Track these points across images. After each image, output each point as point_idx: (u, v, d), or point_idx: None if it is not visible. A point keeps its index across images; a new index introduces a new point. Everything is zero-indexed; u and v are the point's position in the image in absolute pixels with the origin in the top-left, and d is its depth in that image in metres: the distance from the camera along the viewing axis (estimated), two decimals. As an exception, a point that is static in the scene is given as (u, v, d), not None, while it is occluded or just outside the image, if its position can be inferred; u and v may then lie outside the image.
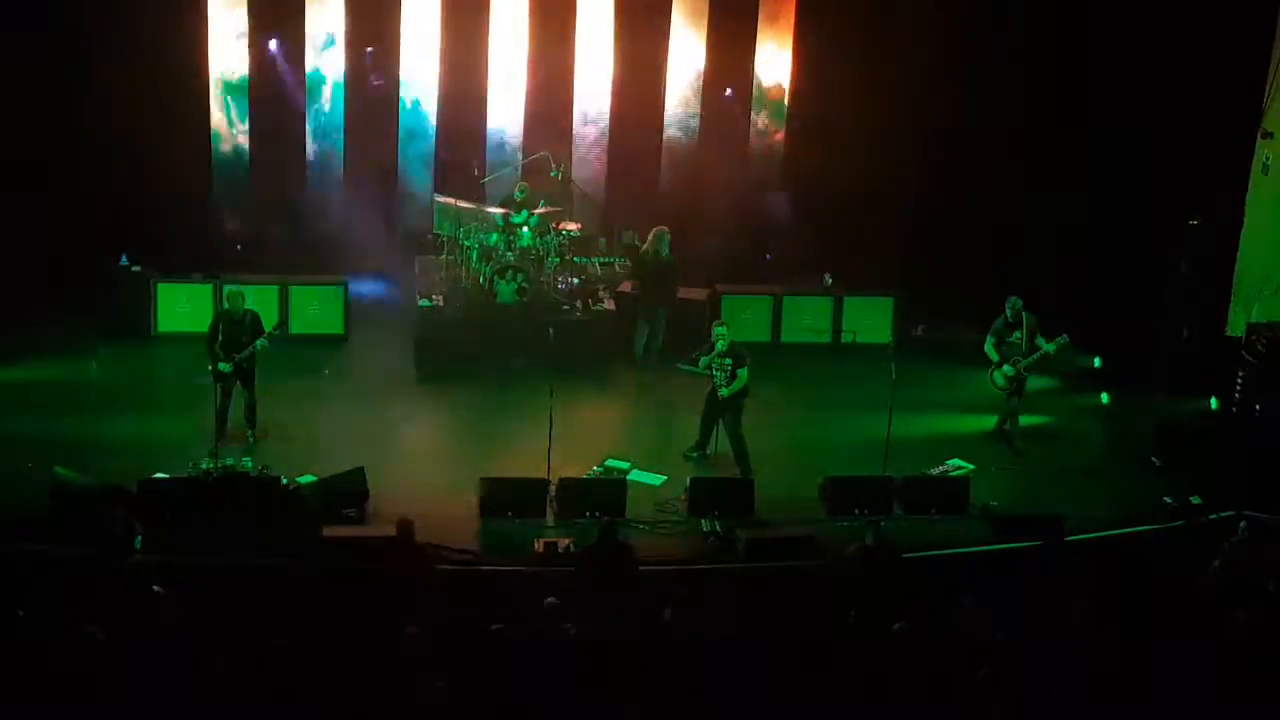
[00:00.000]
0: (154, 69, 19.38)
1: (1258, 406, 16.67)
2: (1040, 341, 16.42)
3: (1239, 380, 17.09)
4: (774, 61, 21.26)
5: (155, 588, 11.80)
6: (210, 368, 15.53)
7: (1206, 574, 13.25)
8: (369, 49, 20.52)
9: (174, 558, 13.18)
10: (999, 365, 16.58)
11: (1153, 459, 16.41)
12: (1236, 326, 18.43)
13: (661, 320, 18.45)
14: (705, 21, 20.95)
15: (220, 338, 15.53)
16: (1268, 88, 18.41)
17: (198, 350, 15.96)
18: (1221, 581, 13.16)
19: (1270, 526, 14.02)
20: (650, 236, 18.52)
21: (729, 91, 21.15)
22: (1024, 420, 17.22)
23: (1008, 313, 16.55)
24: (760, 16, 21.05)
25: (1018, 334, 16.49)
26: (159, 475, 14.65)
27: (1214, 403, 17.53)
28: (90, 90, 19.09)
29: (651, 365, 18.27)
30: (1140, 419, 17.33)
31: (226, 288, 17.34)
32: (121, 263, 18.76)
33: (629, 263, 19.57)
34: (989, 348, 16.65)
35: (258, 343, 15.56)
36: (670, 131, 21.33)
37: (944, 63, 19.92)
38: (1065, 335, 16.37)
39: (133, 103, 19.13)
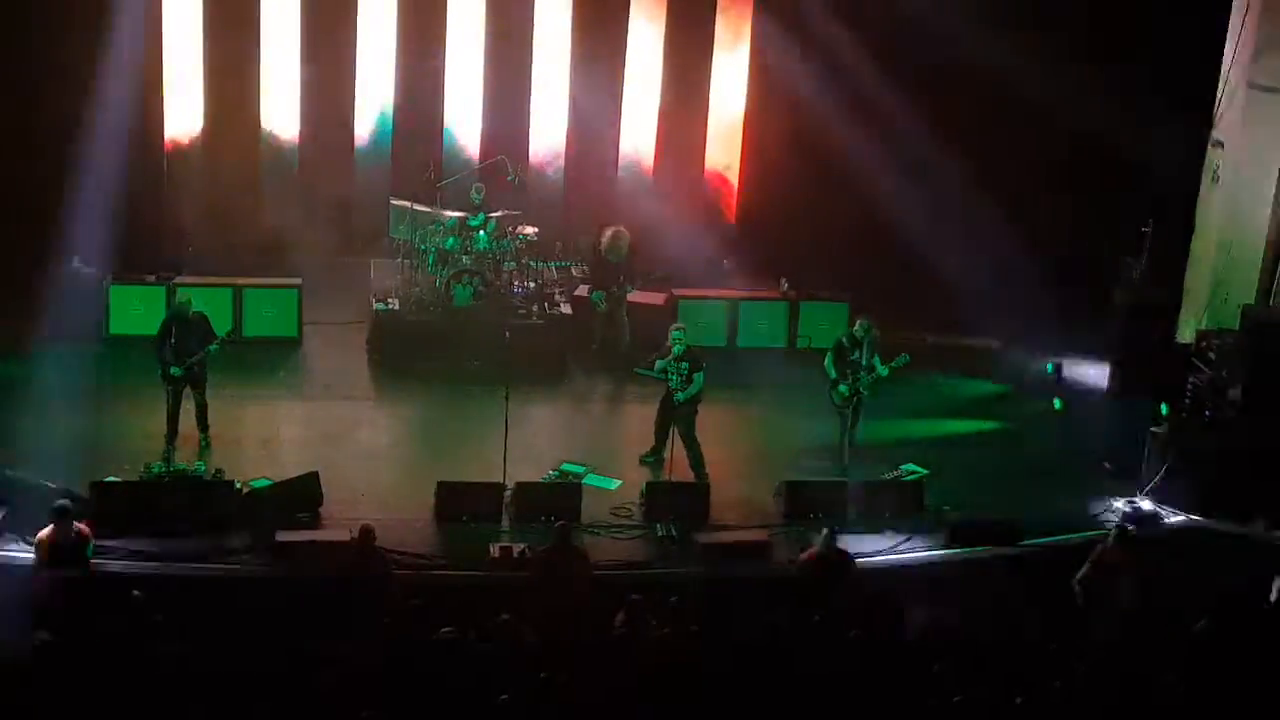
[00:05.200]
0: (106, 66, 19.16)
1: (1207, 412, 16.80)
2: (876, 362, 16.08)
3: (1189, 387, 17.22)
4: (731, 69, 21.30)
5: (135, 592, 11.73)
6: (160, 371, 15.41)
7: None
8: None
9: (126, 562, 13.10)
10: (836, 383, 16.21)
11: (1104, 464, 16.53)
12: (1186, 333, 18.59)
13: (622, 311, 18.64)
14: (663, 27, 20.98)
15: (173, 340, 15.42)
16: (1219, 97, 18.59)
17: (150, 353, 15.82)
18: (1086, 589, 13.30)
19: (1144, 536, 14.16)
20: (608, 235, 18.62)
21: None
22: (977, 425, 17.39)
23: (856, 330, 16.30)
24: (718, 25, 21.09)
25: (857, 353, 16.18)
26: (110, 478, 14.52)
27: (1164, 409, 17.65)
28: (40, 88, 18.88)
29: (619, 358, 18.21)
30: (1092, 425, 17.49)
31: (179, 291, 17.20)
32: (73, 265, 18.57)
33: (585, 266, 19.65)
34: (828, 363, 16.28)
35: (210, 348, 15.45)
36: (628, 138, 21.33)
37: (899, 73, 19.95)
38: (906, 355, 16.08)
39: (84, 101, 18.92)
